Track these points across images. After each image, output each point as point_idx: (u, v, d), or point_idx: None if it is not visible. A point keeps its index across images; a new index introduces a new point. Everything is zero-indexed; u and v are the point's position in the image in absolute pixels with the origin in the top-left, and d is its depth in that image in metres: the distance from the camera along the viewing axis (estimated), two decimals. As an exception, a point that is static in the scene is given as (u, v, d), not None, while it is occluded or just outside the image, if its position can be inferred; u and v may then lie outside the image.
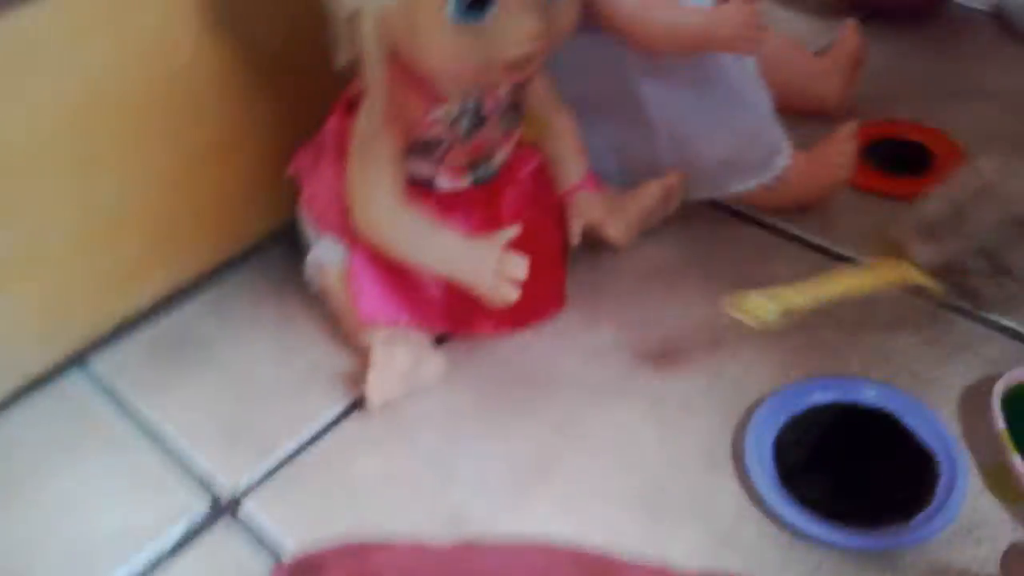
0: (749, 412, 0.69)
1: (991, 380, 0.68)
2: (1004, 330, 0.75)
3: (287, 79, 0.77)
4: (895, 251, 0.63)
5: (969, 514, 0.63)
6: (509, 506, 0.66)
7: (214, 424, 0.73)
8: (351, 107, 0.74)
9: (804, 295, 0.62)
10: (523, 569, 0.59)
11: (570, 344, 0.77)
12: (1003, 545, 0.61)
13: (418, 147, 0.72)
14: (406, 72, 0.67)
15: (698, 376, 0.74)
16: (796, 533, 0.63)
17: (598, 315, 0.79)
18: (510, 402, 0.73)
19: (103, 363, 0.79)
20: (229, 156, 0.77)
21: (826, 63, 0.97)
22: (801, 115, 0.89)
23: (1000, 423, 0.64)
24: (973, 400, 0.69)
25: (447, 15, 0.61)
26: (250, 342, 0.80)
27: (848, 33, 0.97)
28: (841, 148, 0.84)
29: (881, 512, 0.63)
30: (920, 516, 0.62)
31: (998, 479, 0.64)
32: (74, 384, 0.77)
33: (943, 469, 0.64)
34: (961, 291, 0.65)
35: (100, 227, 0.72)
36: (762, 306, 0.61)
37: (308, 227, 0.80)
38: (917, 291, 0.73)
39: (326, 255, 0.77)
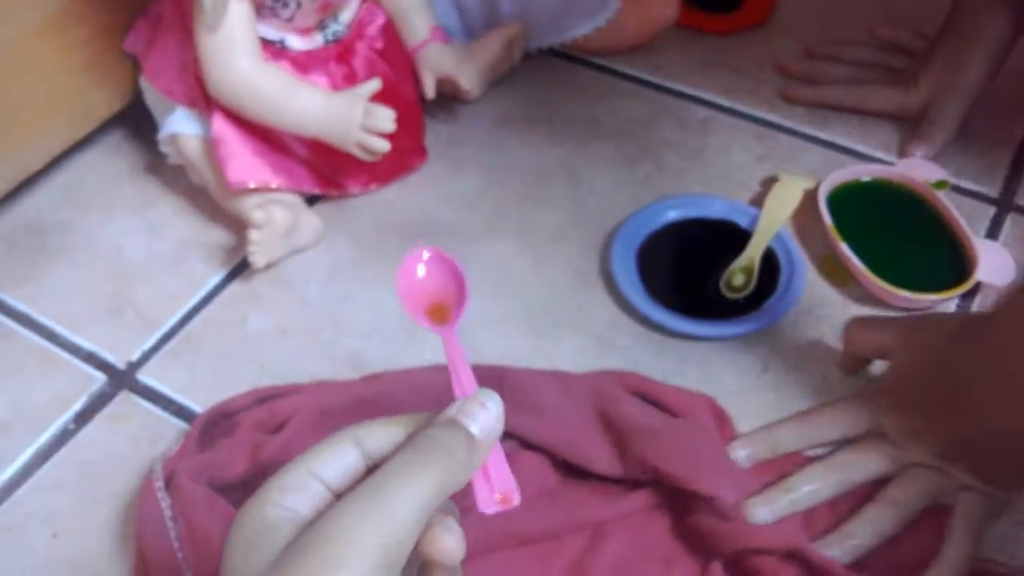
0: (612, 236, 0.75)
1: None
2: (819, 142, 0.84)
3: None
4: None
5: (808, 299, 0.72)
6: (404, 346, 0.70)
7: (93, 304, 0.73)
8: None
9: None
10: (431, 389, 0.63)
11: (438, 193, 0.81)
12: (839, 322, 0.71)
13: (266, 8, 0.72)
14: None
15: (561, 209, 0.79)
16: (664, 332, 0.70)
17: (460, 163, 0.83)
18: (389, 252, 0.76)
19: (-46, 265, 0.76)
20: (68, 30, 0.74)
21: None
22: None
23: (828, 218, 0.73)
24: (802, 203, 0.77)
25: None
26: (113, 223, 0.79)
27: None
28: (666, -11, 0.90)
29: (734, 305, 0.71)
30: (768, 302, 0.70)
31: (830, 267, 0.74)
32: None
33: (783, 263, 0.73)
34: None
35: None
36: None
37: (155, 102, 0.79)
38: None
39: (181, 126, 0.76)
